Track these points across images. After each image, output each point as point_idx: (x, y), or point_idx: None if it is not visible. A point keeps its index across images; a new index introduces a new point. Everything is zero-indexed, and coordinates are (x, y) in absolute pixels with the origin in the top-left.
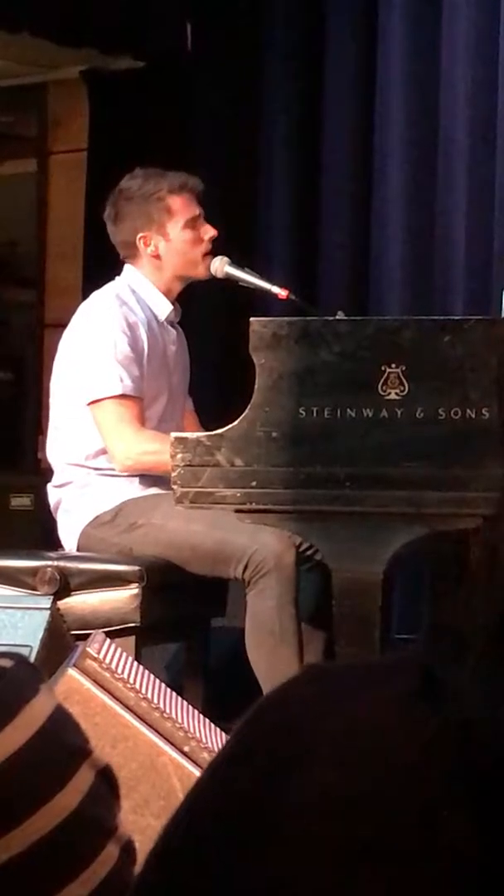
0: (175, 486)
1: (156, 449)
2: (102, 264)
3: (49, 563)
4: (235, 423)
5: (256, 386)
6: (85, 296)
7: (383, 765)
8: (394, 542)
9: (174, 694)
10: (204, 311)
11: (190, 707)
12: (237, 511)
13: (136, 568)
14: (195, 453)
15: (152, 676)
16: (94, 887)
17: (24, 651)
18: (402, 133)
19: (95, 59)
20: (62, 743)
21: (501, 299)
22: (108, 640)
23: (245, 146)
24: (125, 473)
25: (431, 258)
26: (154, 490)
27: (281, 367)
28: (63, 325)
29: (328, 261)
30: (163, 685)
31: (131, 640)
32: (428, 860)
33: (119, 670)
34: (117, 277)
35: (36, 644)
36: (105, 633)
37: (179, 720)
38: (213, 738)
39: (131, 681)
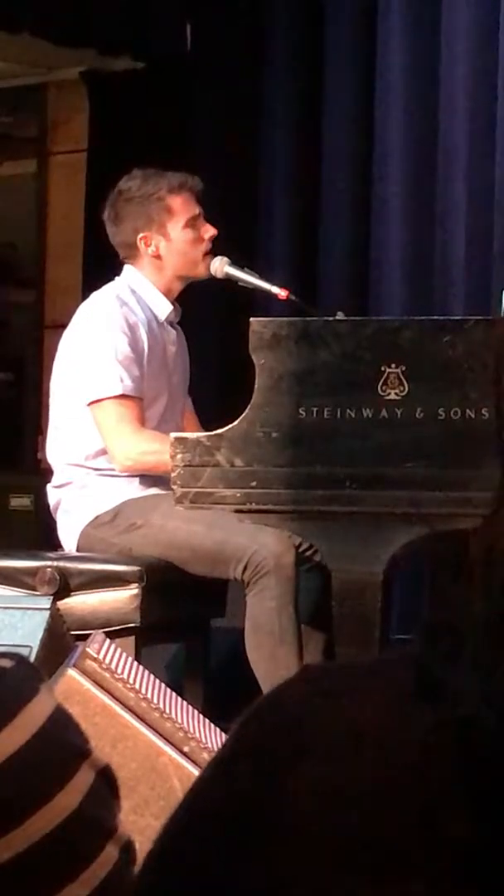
0: (175, 487)
1: (156, 449)
2: (102, 265)
3: (49, 563)
4: (235, 423)
5: (256, 386)
6: (85, 296)
7: (383, 764)
8: (394, 543)
9: (174, 694)
10: (204, 312)
11: (190, 707)
12: (237, 511)
13: (136, 568)
14: (195, 453)
15: (152, 677)
16: (95, 888)
17: (24, 651)
18: (402, 133)
19: (95, 59)
20: (62, 743)
21: (501, 299)
22: (108, 641)
23: (245, 146)
24: (125, 474)
25: (431, 258)
26: (154, 490)
27: (281, 367)
28: (63, 326)
29: (328, 261)
30: (163, 685)
31: (131, 640)
32: (428, 860)
33: (119, 670)
34: (117, 278)
35: (36, 644)
36: (105, 633)
37: (179, 720)
38: (212, 739)
39: (131, 681)
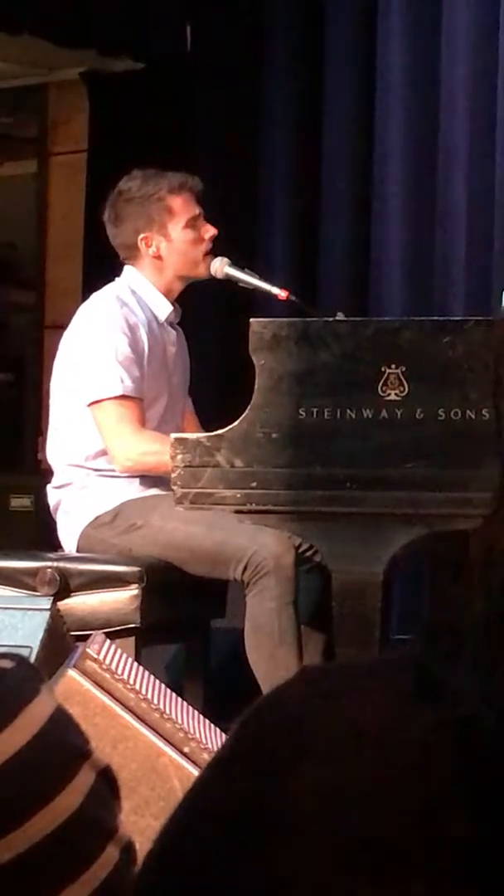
0: (175, 487)
1: (156, 450)
2: (102, 265)
3: (49, 563)
4: (235, 423)
5: (256, 387)
6: (85, 297)
7: (383, 764)
8: (394, 543)
9: (174, 695)
10: (204, 312)
11: (190, 708)
12: (237, 512)
13: (136, 569)
14: (195, 454)
15: (152, 677)
16: (95, 888)
17: (24, 652)
18: (402, 133)
19: (95, 60)
20: (63, 744)
21: (502, 299)
22: (108, 641)
23: (245, 147)
24: (125, 474)
25: (431, 258)
26: (154, 491)
27: (281, 367)
28: (63, 327)
29: (328, 261)
30: (163, 686)
31: (131, 640)
32: (428, 860)
33: (119, 671)
34: (117, 278)
35: (36, 645)
36: (105, 633)
37: (179, 721)
38: (213, 739)
39: (131, 682)
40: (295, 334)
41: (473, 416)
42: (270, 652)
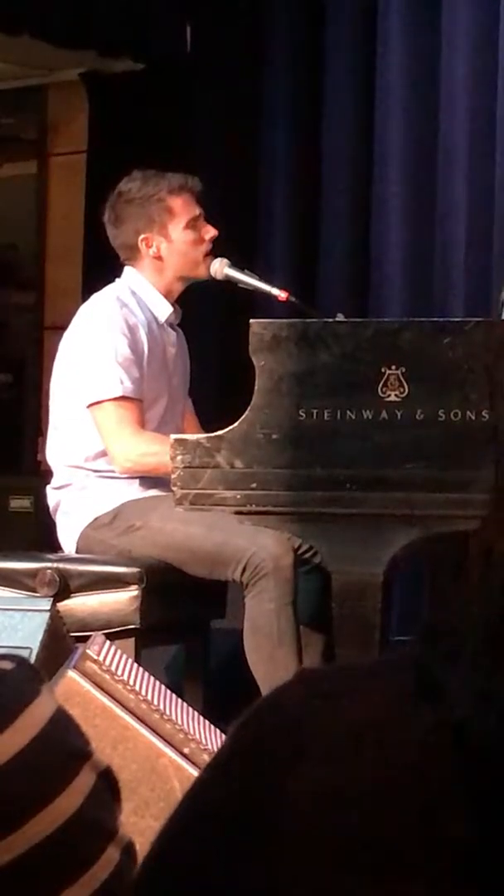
0: (175, 488)
1: (156, 451)
2: (102, 266)
3: (49, 564)
4: (235, 424)
5: (256, 388)
6: (85, 298)
7: (383, 764)
8: (394, 544)
9: (174, 696)
10: (204, 313)
11: (190, 709)
12: (237, 513)
13: (136, 570)
14: (195, 455)
15: (152, 678)
16: (95, 889)
17: (24, 653)
18: (402, 134)
19: (95, 61)
20: (63, 745)
21: (500, 301)
22: (108, 642)
23: (245, 148)
24: (125, 475)
25: (431, 259)
26: (154, 492)
27: (281, 368)
28: (63, 328)
29: (328, 261)
30: (163, 687)
31: (131, 641)
32: (428, 860)
33: (119, 672)
34: (117, 279)
35: (35, 646)
36: (105, 634)
37: (179, 722)
38: (213, 740)
39: (131, 683)
40: (295, 335)
41: (473, 418)
42: (269, 653)
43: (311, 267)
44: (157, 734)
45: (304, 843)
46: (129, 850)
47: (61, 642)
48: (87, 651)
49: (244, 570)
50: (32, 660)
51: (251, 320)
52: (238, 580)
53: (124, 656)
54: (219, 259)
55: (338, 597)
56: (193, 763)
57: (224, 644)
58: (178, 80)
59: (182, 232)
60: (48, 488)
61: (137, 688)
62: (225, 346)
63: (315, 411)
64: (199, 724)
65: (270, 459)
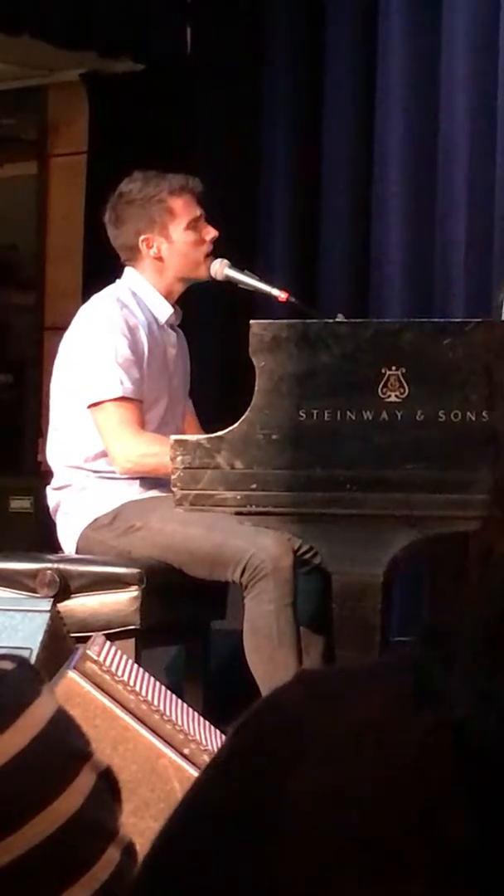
0: (175, 489)
1: (156, 451)
2: (102, 267)
3: (49, 565)
4: (235, 425)
5: (256, 388)
6: (85, 298)
7: (382, 765)
8: (394, 545)
9: (174, 696)
10: (204, 314)
11: (190, 709)
12: (237, 514)
13: (136, 570)
14: (195, 456)
15: (152, 679)
16: (96, 890)
17: (24, 654)
18: (402, 134)
19: (95, 61)
20: (63, 746)
21: (501, 302)
22: (108, 643)
23: (245, 148)
24: (125, 476)
25: (431, 259)
26: (154, 493)
27: (281, 369)
28: (63, 328)
29: (328, 262)
30: (163, 688)
31: (131, 642)
32: (428, 860)
33: (119, 673)
34: (118, 280)
35: (36, 647)
36: (105, 635)
37: (179, 723)
38: (213, 741)
39: (131, 683)
40: (295, 336)
41: (474, 418)
42: (269, 654)
43: (311, 267)
44: (158, 735)
45: (304, 843)
46: (129, 850)
47: (61, 643)
48: (88, 652)
49: (244, 571)
50: (33, 660)
51: (251, 321)
52: (238, 581)
53: (124, 657)
54: (219, 260)
55: (338, 598)
56: (193, 764)
57: (224, 645)
58: (178, 81)
59: (183, 233)
60: (48, 489)
61: (137, 688)
62: (225, 346)
63: (315, 412)
64: (199, 724)
65: (270, 460)
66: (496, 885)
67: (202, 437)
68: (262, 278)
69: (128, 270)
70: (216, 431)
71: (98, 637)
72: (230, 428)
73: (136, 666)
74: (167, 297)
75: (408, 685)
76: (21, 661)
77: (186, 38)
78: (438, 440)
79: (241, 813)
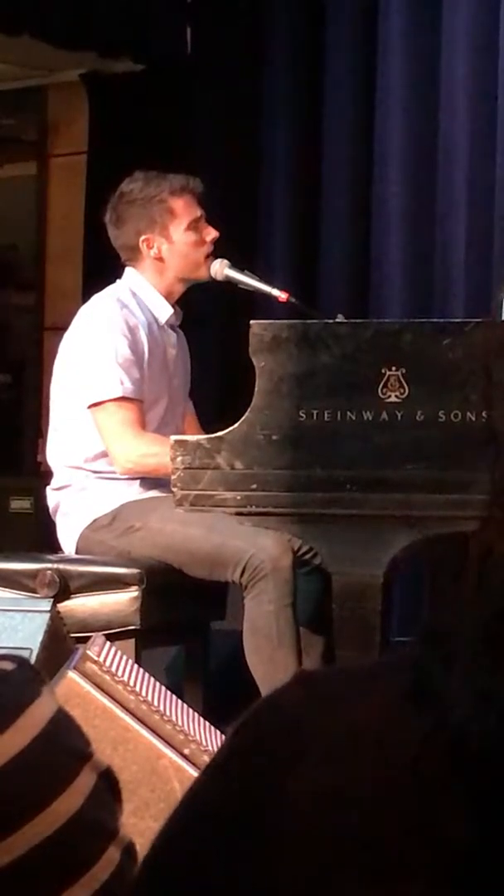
0: (175, 489)
1: (156, 451)
2: (102, 267)
3: (49, 565)
4: (235, 425)
5: (256, 389)
6: (85, 299)
7: (382, 765)
8: (394, 545)
9: (174, 697)
10: (204, 314)
11: (190, 710)
12: (237, 514)
13: (136, 571)
14: (195, 456)
15: (152, 679)
16: (96, 890)
17: (24, 654)
18: (402, 134)
19: (95, 61)
20: (64, 746)
21: (501, 301)
22: (108, 643)
23: (245, 149)
24: (125, 476)
25: (431, 259)
26: (154, 493)
27: (281, 369)
28: (63, 329)
29: (328, 261)
30: (163, 688)
31: (131, 642)
32: (427, 860)
33: (119, 673)
34: (118, 280)
35: (36, 647)
36: (105, 635)
37: (179, 723)
38: (213, 741)
39: (131, 683)
40: (295, 336)
41: (474, 419)
42: (269, 654)
43: (311, 267)
44: (158, 735)
45: (304, 843)
46: (129, 850)
47: (61, 643)
48: (88, 652)
49: (243, 571)
50: (33, 660)
51: (251, 321)
52: (237, 581)
53: (124, 657)
54: (219, 260)
55: (338, 598)
56: (193, 764)
57: (224, 645)
58: (179, 81)
59: (183, 233)
60: (48, 489)
61: (138, 689)
62: (225, 347)
63: (315, 412)
64: (199, 725)
65: (271, 460)
66: (496, 885)
67: (202, 437)
68: (262, 278)
69: (128, 271)
70: (216, 432)
71: (98, 637)
72: (230, 428)
73: (136, 666)
74: (167, 297)
75: (408, 685)
76: (21, 662)
77: (186, 38)
78: (438, 440)
79: (241, 813)
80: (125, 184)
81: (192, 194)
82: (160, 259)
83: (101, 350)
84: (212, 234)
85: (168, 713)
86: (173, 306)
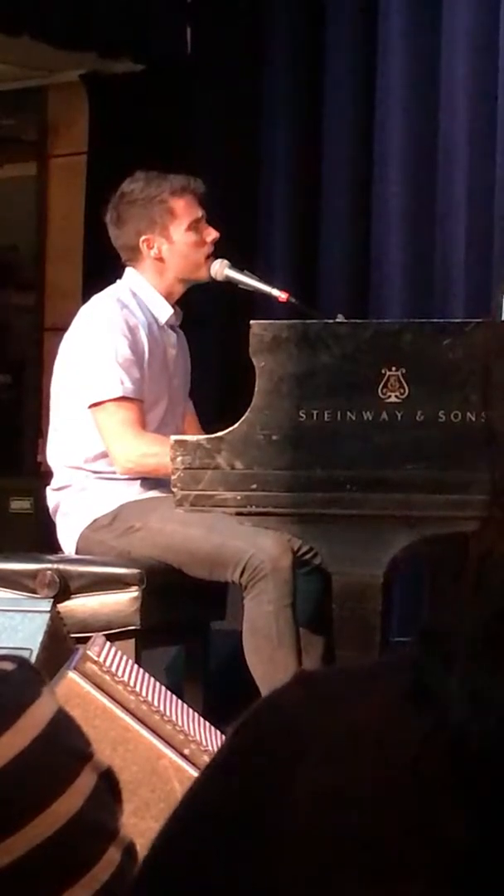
0: (175, 489)
1: (156, 451)
2: (102, 267)
3: (49, 566)
4: (235, 425)
5: (256, 389)
6: (85, 299)
7: (382, 765)
8: (394, 545)
9: (174, 697)
10: (204, 314)
11: (190, 710)
12: (237, 514)
13: (136, 571)
14: (195, 456)
15: (152, 679)
16: (96, 890)
17: (24, 654)
18: (402, 134)
19: (95, 62)
20: (64, 746)
21: (501, 302)
22: (108, 643)
23: (245, 149)
24: (125, 476)
25: (431, 259)
26: (154, 493)
27: (281, 369)
28: (63, 329)
29: (328, 262)
30: (163, 688)
31: (131, 643)
32: (428, 860)
33: (119, 673)
34: (118, 280)
35: (36, 647)
36: (105, 635)
37: (180, 723)
38: (213, 741)
39: (131, 684)
40: (295, 336)
41: (473, 419)
42: (269, 654)
43: (311, 267)
44: (158, 735)
45: (304, 843)
46: (130, 850)
47: (62, 643)
48: (88, 652)
49: (243, 571)
50: (33, 661)
51: (251, 321)
52: (237, 582)
53: (124, 657)
54: (219, 260)
55: (338, 598)
56: (194, 764)
57: (224, 645)
58: (179, 81)
59: (184, 234)
60: (48, 489)
61: (138, 689)
62: (225, 347)
63: (315, 412)
64: (199, 725)
65: (271, 461)
66: (496, 885)
67: (202, 437)
68: (262, 278)
69: (128, 271)
70: (216, 432)
71: (98, 637)
72: (230, 428)
73: (136, 666)
74: (167, 297)
75: (408, 685)
76: (21, 662)
77: (186, 38)
78: (438, 440)
79: (241, 813)
80: (126, 184)
81: (193, 195)
82: (160, 259)
83: (102, 350)
84: (212, 234)
85: (168, 713)
86: (173, 306)
